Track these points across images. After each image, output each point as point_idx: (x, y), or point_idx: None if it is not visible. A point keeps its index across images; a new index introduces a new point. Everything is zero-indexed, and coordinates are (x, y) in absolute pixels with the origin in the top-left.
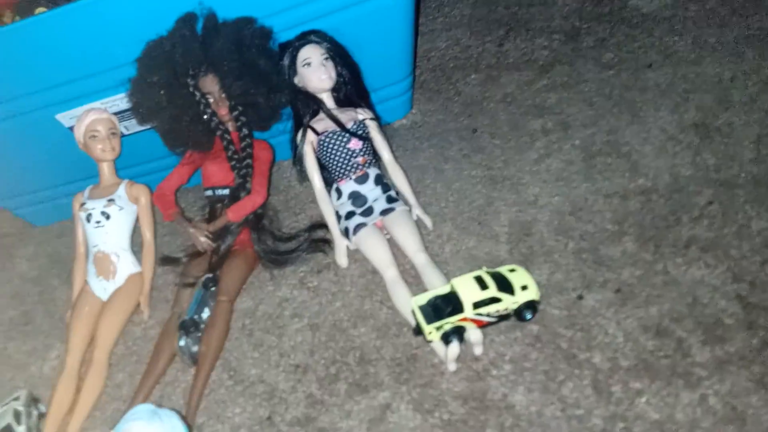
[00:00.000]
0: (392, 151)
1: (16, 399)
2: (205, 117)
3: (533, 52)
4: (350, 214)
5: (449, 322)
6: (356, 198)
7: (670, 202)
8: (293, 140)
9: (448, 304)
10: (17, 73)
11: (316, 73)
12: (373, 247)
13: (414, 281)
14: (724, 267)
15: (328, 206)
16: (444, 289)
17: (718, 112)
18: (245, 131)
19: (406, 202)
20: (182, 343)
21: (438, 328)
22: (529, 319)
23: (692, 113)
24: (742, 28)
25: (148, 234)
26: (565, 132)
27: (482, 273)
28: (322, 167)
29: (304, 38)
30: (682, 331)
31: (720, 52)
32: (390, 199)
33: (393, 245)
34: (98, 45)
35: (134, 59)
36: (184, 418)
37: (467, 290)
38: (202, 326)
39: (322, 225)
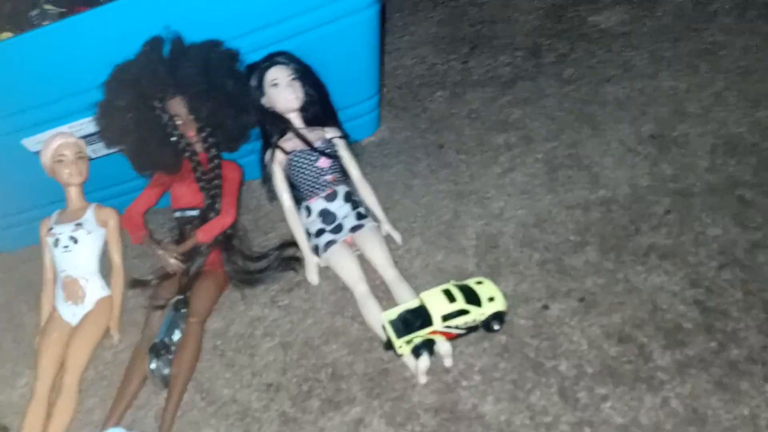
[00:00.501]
0: (360, 169)
1: None
2: (173, 139)
3: (497, 69)
4: (320, 232)
5: (419, 336)
6: (326, 215)
7: (630, 212)
8: (262, 160)
9: (418, 317)
10: None
11: (283, 93)
12: (343, 263)
13: (384, 296)
14: (682, 273)
15: (297, 224)
16: (413, 303)
17: (674, 124)
18: (213, 152)
19: (375, 219)
20: (153, 366)
21: (408, 342)
22: (497, 330)
23: (650, 125)
24: (695, 42)
25: (116, 257)
26: (528, 146)
27: (450, 286)
28: (292, 186)
29: (270, 59)
30: (644, 336)
31: (675, 66)
32: (359, 216)
33: (363, 261)
34: (64, 69)
35: (101, 83)
36: None
37: (436, 303)
38: (173, 348)
39: (292, 243)
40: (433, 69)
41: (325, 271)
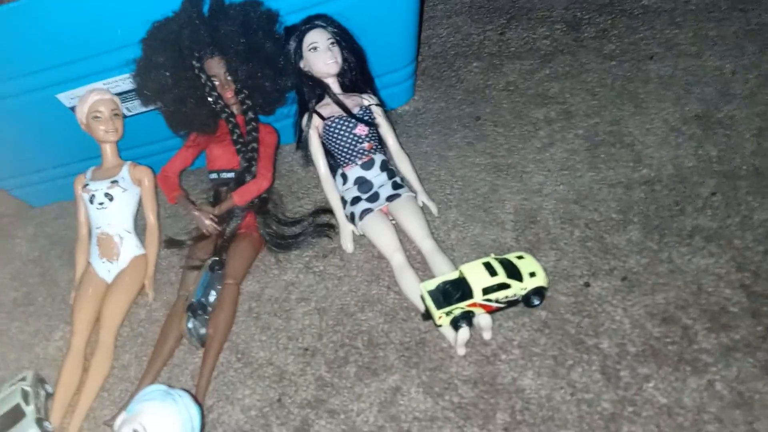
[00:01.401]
0: (397, 138)
1: (23, 379)
2: (211, 100)
3: (535, 42)
4: (356, 200)
5: (459, 308)
6: (362, 183)
7: (674, 192)
8: (297, 124)
9: (458, 289)
10: (19, 52)
11: (322, 57)
12: (379, 232)
13: (420, 267)
14: (728, 256)
15: (333, 191)
16: (453, 275)
17: (719, 105)
18: (251, 115)
19: (411, 189)
20: (190, 325)
21: (447, 314)
22: (537, 305)
23: (694, 105)
24: (741, 23)
25: (151, 217)
26: (569, 121)
27: (491, 259)
28: (327, 152)
29: (310, 22)
30: (688, 318)
31: (720, 46)
32: (396, 185)
33: (398, 231)
34: (101, 25)
35: (138, 40)
36: (195, 399)
37: (476, 276)
38: (210, 309)
39: (326, 210)
40: (469, 39)
41: (359, 239)
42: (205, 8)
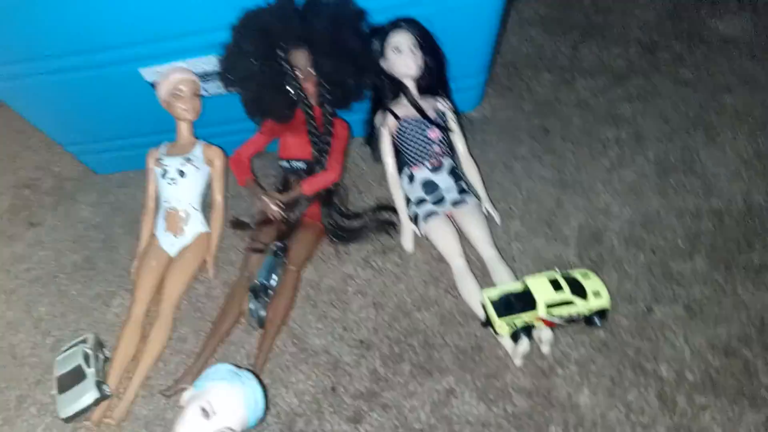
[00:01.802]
0: (467, 144)
1: (84, 341)
2: (291, 90)
3: (609, 60)
4: (421, 201)
5: (520, 319)
6: (429, 186)
7: (743, 226)
8: (370, 121)
9: (521, 301)
10: (109, 25)
11: (404, 59)
12: (443, 236)
13: (479, 274)
14: None
15: (398, 190)
16: (516, 286)
17: None
18: (328, 108)
19: (476, 195)
20: (252, 306)
21: (508, 323)
22: (598, 326)
23: None
24: None
25: (219, 197)
26: (639, 144)
27: (557, 275)
28: (396, 151)
29: (396, 24)
30: (750, 353)
31: None
32: (461, 191)
33: (460, 236)
34: (191, 6)
35: (227, 25)
36: (261, 381)
37: (542, 290)
38: (271, 292)
39: (388, 207)
40: (541, 51)
41: (419, 240)
42: (299, 1)
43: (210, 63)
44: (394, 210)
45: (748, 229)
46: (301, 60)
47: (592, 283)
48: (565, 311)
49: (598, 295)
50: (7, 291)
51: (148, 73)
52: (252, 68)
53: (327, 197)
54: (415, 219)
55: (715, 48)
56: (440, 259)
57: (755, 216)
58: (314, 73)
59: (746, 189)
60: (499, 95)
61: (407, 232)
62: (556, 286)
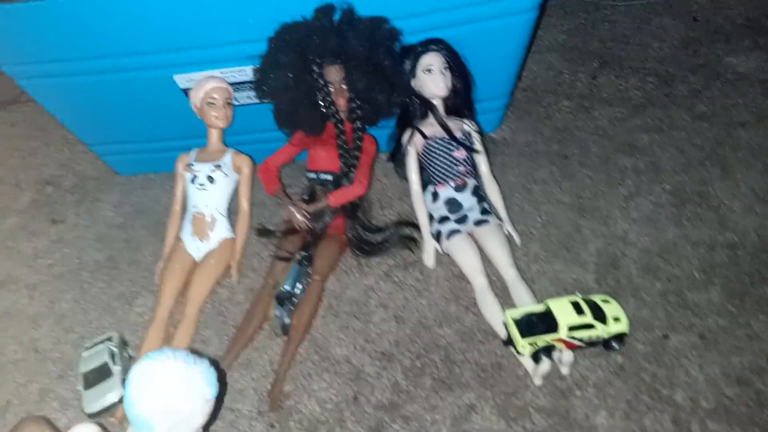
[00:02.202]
0: (490, 166)
1: (110, 339)
2: (323, 104)
3: (627, 91)
4: (444, 219)
5: (543, 340)
6: (452, 204)
7: (757, 260)
8: (396, 138)
9: (543, 322)
10: (146, 30)
11: (435, 80)
12: (465, 254)
13: (500, 293)
14: None
15: (422, 207)
16: (539, 308)
17: None
18: (358, 124)
19: (497, 216)
20: (277, 313)
21: (531, 344)
22: (616, 350)
23: None
24: None
25: (245, 204)
26: (656, 174)
27: (578, 299)
28: (421, 169)
29: (427, 45)
30: (763, 384)
31: None
32: (484, 211)
33: (481, 256)
34: (228, 17)
35: (261, 37)
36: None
37: (564, 313)
38: (295, 300)
39: (410, 223)
40: (560, 78)
41: (440, 257)
42: (336, 17)
43: (244, 73)
44: (416, 226)
45: (761, 263)
46: (335, 75)
47: (612, 308)
48: (585, 334)
49: (617, 320)
50: (30, 286)
51: (182, 80)
52: (286, 81)
53: (351, 210)
54: (437, 236)
55: (730, 83)
56: (461, 276)
57: None
58: (347, 88)
59: (759, 224)
60: (519, 119)
61: (429, 248)
62: (578, 309)
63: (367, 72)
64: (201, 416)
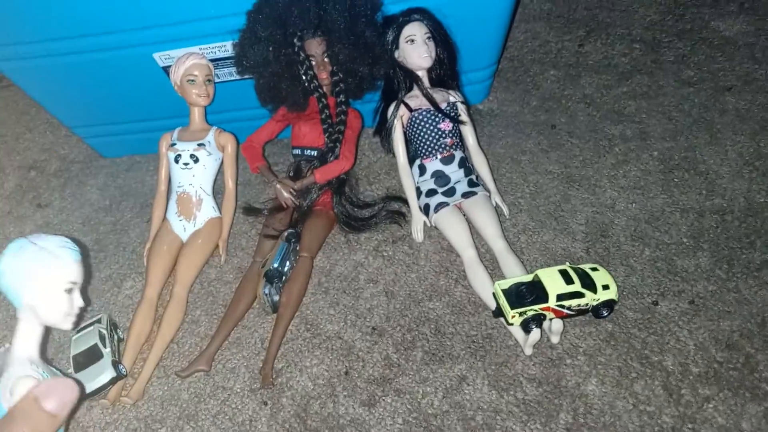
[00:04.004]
0: (477, 137)
1: (99, 321)
2: (305, 78)
3: (613, 58)
4: (432, 192)
5: (532, 310)
6: (439, 177)
7: (745, 225)
8: (381, 111)
9: (532, 292)
10: (122, 8)
11: (418, 50)
12: (454, 227)
13: (489, 265)
14: None
15: (410, 181)
16: (527, 278)
17: None
18: (342, 98)
19: (485, 188)
20: (266, 291)
21: (520, 314)
22: (605, 317)
23: None
24: None
25: (230, 182)
26: (644, 141)
27: (567, 267)
28: (407, 142)
29: (410, 15)
30: (751, 347)
31: None
32: (471, 183)
33: (470, 228)
34: None
35: (240, 10)
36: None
37: (553, 282)
38: (284, 278)
39: (398, 197)
40: (546, 46)
41: (429, 231)
42: None
43: (224, 49)
44: (404, 200)
45: (749, 228)
46: (316, 48)
47: (601, 275)
48: (575, 302)
49: (606, 288)
50: None
51: (161, 58)
52: (266, 55)
53: (338, 186)
54: (425, 210)
55: (716, 48)
56: (450, 249)
57: (756, 215)
58: (329, 61)
59: (747, 188)
60: (506, 89)
61: (417, 222)
62: (567, 278)
63: (348, 44)
64: (64, 279)
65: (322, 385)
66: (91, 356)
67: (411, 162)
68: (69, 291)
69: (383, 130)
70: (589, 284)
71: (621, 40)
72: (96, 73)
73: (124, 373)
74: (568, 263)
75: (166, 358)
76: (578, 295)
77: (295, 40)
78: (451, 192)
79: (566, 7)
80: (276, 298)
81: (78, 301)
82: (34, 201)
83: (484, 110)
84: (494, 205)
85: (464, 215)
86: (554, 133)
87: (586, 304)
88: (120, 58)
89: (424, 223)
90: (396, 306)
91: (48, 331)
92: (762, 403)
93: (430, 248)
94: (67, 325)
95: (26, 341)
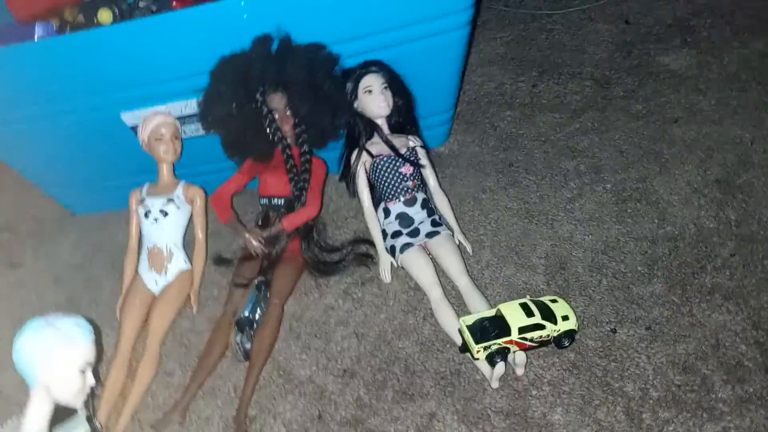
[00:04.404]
0: (438, 178)
1: None
2: (270, 131)
3: (566, 96)
4: (397, 234)
5: (496, 344)
6: (404, 219)
7: (696, 251)
8: (345, 158)
9: (495, 326)
10: (90, 73)
11: (376, 100)
12: (419, 266)
13: (455, 302)
14: (744, 315)
15: (375, 224)
16: (490, 313)
17: (739, 172)
18: (306, 148)
19: (448, 227)
20: (237, 339)
21: (485, 348)
22: (567, 347)
23: (715, 170)
24: (761, 94)
25: (200, 234)
26: (597, 175)
27: (527, 301)
28: (371, 187)
29: (366, 67)
30: (707, 369)
31: (741, 115)
32: (434, 223)
33: (435, 266)
34: (169, 55)
35: (203, 70)
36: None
37: (514, 315)
38: (255, 325)
39: (365, 240)
40: (502, 88)
41: (396, 271)
42: (274, 47)
43: (189, 107)
44: (371, 243)
45: (700, 253)
46: (278, 102)
47: (560, 307)
48: (536, 334)
49: (566, 319)
50: None
51: (129, 118)
52: (230, 111)
53: (306, 232)
54: (391, 251)
55: (663, 82)
56: (417, 288)
57: (706, 240)
58: (291, 114)
59: (697, 215)
60: (465, 131)
61: (385, 263)
62: (528, 311)
63: (308, 97)
64: (80, 360)
65: (296, 430)
66: (65, 411)
67: (376, 205)
68: (83, 371)
69: (348, 176)
70: (549, 316)
71: (572, 78)
72: (65, 135)
73: (99, 429)
74: (528, 296)
75: (141, 411)
76: (539, 327)
77: (257, 96)
78: (415, 233)
79: (520, 50)
80: (248, 345)
81: (90, 380)
82: (7, 261)
83: (446, 152)
84: (457, 243)
85: (429, 254)
86: (512, 170)
87: (548, 335)
88: (88, 120)
89: (392, 264)
90: (366, 347)
91: None
92: (719, 422)
93: (398, 288)
94: (78, 403)
95: (36, 418)
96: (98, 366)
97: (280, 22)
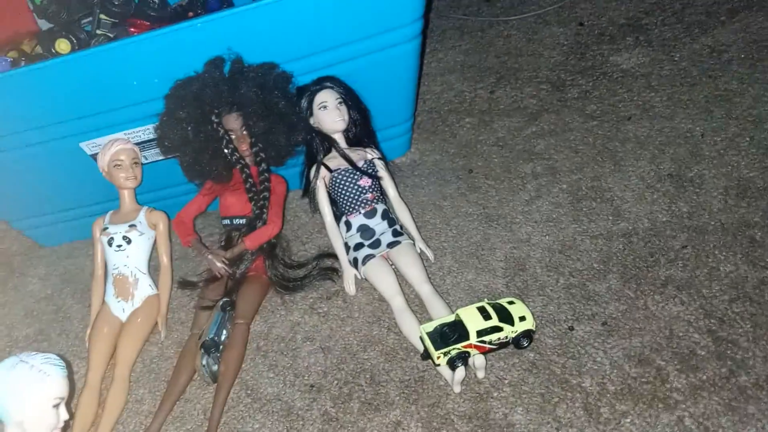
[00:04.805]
0: (397, 188)
1: None
2: (227, 152)
3: (522, 100)
4: (359, 246)
5: (456, 348)
6: (365, 231)
7: (649, 244)
8: (305, 174)
9: (454, 331)
10: (47, 104)
11: (331, 115)
12: (381, 277)
13: (418, 309)
14: (696, 304)
15: (337, 238)
16: (449, 318)
17: (690, 165)
18: (264, 166)
19: (409, 236)
20: (204, 362)
21: (445, 354)
22: (526, 347)
23: (667, 164)
24: (711, 88)
25: (165, 259)
26: (554, 176)
27: (485, 304)
28: (332, 201)
29: (320, 83)
30: (661, 360)
31: (691, 110)
32: (396, 233)
33: (398, 276)
34: (124, 83)
35: (160, 95)
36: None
37: (472, 319)
38: (222, 347)
39: (330, 254)
40: (461, 96)
41: (361, 283)
42: (226, 69)
43: (148, 132)
44: (335, 257)
45: (653, 247)
46: (234, 123)
47: (517, 308)
48: (495, 337)
49: (523, 319)
50: None
51: (88, 147)
52: (186, 134)
53: (270, 250)
54: (354, 263)
55: (616, 81)
56: (381, 299)
57: (659, 234)
58: (247, 134)
59: (650, 210)
60: (426, 140)
61: (349, 276)
62: (485, 314)
63: (263, 116)
64: (53, 396)
65: None
66: None
67: (338, 219)
68: (56, 406)
69: (308, 191)
70: (506, 317)
71: (529, 83)
72: (27, 168)
73: None
74: (485, 300)
75: None
76: (497, 329)
77: (213, 118)
78: (376, 244)
79: (478, 57)
80: (215, 367)
81: (63, 415)
82: None
83: (408, 162)
84: (419, 251)
85: (391, 264)
86: (472, 176)
87: (506, 337)
88: (48, 150)
89: (355, 276)
90: (332, 361)
91: None
92: (674, 411)
93: (363, 300)
94: None
95: None
96: (70, 400)
97: (232, 44)
